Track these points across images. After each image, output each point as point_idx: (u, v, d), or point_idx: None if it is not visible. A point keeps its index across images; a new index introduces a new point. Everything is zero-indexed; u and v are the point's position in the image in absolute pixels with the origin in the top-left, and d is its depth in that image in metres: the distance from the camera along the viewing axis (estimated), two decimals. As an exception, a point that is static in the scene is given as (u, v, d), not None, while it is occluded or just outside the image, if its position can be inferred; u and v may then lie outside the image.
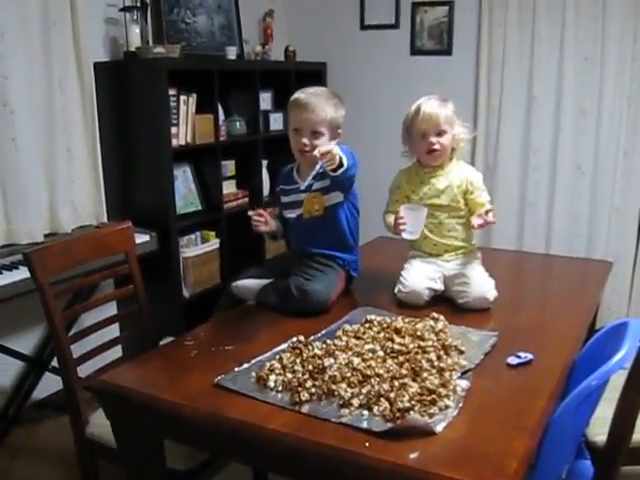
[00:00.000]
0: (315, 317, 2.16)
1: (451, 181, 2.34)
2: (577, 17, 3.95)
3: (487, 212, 2.19)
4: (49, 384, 3.26)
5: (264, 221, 2.36)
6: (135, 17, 3.43)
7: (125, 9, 3.40)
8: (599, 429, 1.91)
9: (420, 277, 2.29)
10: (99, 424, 2.10)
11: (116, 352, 2.48)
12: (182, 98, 3.52)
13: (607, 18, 3.89)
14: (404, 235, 2.20)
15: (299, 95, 2.32)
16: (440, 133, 2.32)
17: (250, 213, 2.35)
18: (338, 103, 2.36)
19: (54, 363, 3.13)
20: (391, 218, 2.31)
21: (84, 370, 2.19)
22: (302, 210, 2.38)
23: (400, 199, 2.40)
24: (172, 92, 3.42)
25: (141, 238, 3.17)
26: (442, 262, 2.34)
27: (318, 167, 2.29)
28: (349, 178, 2.22)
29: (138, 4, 3.43)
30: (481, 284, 2.24)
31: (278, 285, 2.29)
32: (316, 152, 2.04)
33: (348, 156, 2.13)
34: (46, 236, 3.11)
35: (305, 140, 2.29)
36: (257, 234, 2.46)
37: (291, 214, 2.44)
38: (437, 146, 2.31)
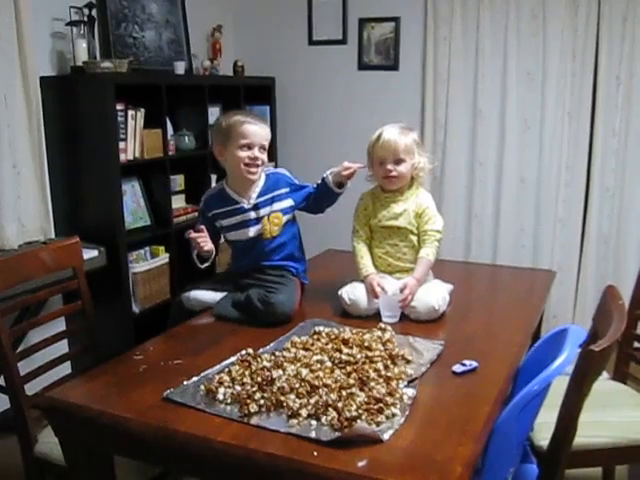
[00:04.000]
0: (271, 328, 2.19)
1: (408, 206, 2.42)
2: (519, 33, 4.06)
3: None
4: (-5, 403, 3.20)
5: (205, 238, 2.36)
6: (82, 31, 3.41)
7: (72, 23, 3.37)
8: (544, 434, 1.96)
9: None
10: (48, 442, 2.07)
11: (65, 369, 2.44)
12: (130, 113, 3.50)
13: (547, 35, 4.00)
14: (386, 320, 2.23)
15: (239, 115, 2.43)
16: (398, 161, 2.38)
17: (192, 235, 2.33)
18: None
19: (0, 381, 3.07)
20: (365, 267, 2.40)
21: (32, 388, 2.16)
22: (260, 230, 2.44)
23: (367, 222, 2.47)
24: (120, 107, 3.40)
25: (89, 253, 3.14)
26: (393, 279, 2.39)
27: (262, 184, 2.45)
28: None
29: (85, 18, 3.41)
30: (427, 298, 2.28)
31: (235, 298, 2.33)
32: (354, 166, 2.35)
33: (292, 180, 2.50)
34: (-8, 252, 3.06)
35: (257, 153, 2.36)
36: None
37: (242, 235, 2.47)
38: (394, 173, 2.38)
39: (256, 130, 2.39)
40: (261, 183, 2.47)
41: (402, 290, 2.27)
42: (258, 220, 2.45)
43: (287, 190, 2.49)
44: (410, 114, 4.32)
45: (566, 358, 1.62)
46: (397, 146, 2.37)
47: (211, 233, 2.42)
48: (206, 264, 2.46)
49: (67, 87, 3.36)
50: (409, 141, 2.40)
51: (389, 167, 2.38)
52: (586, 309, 4.13)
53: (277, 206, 2.46)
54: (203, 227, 2.37)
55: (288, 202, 2.49)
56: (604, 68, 3.91)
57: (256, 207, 2.45)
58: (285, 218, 2.48)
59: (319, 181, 2.50)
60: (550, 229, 4.21)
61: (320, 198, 2.51)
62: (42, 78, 3.29)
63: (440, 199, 4.14)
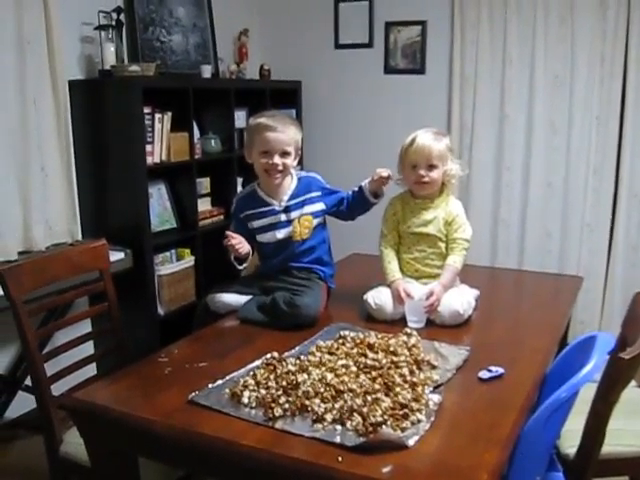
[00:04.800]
0: (296, 332, 2.19)
1: (438, 213, 2.41)
2: (547, 38, 4.02)
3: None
4: (22, 403, 3.23)
5: (240, 242, 2.38)
6: (110, 35, 3.44)
7: (100, 27, 3.41)
8: (570, 441, 1.94)
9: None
10: (73, 442, 2.08)
11: (90, 370, 2.46)
12: (157, 116, 3.52)
13: (576, 40, 3.97)
14: (412, 325, 2.22)
15: (263, 119, 2.41)
16: (431, 167, 2.37)
17: (230, 243, 2.35)
18: (298, 126, 2.49)
19: (27, 382, 3.11)
20: (392, 272, 2.40)
21: (58, 388, 2.17)
22: (289, 232, 2.45)
23: (395, 227, 2.47)
24: (147, 110, 3.43)
25: (116, 256, 3.16)
26: (419, 284, 2.38)
27: (293, 186, 2.45)
28: None
29: (113, 23, 3.44)
30: (452, 302, 2.27)
31: (260, 301, 2.34)
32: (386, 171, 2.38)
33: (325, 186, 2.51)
34: (20, 254, 3.08)
35: (277, 160, 2.35)
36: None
37: (271, 238, 2.48)
38: (426, 179, 2.38)
39: (275, 137, 2.37)
40: (293, 186, 2.47)
41: (428, 296, 2.26)
42: (289, 222, 2.46)
43: (319, 194, 2.50)
44: (436, 118, 4.30)
45: (594, 365, 1.60)
46: (431, 152, 2.36)
47: (245, 235, 2.43)
48: (244, 264, 2.47)
49: (95, 90, 3.40)
50: (442, 147, 2.39)
51: (422, 172, 2.37)
52: (613, 315, 4.08)
53: (308, 209, 2.47)
54: (232, 234, 2.36)
55: (319, 206, 2.49)
56: (633, 73, 3.87)
57: (287, 209, 2.46)
58: (316, 221, 2.49)
59: (355, 189, 2.51)
60: (577, 234, 4.16)
61: (354, 206, 2.53)
62: (71, 82, 3.33)
63: (466, 203, 4.10)
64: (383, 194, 2.49)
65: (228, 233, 2.37)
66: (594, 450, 1.69)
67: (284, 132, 2.39)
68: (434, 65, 4.40)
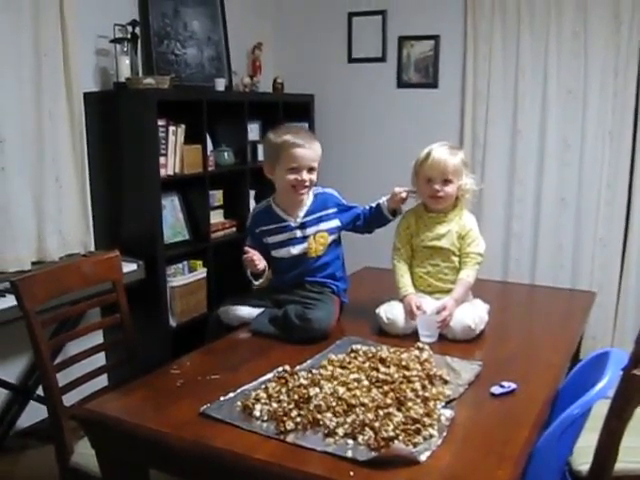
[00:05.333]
0: (308, 345, 2.19)
1: (452, 227, 2.41)
2: (559, 52, 4.03)
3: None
4: (34, 413, 3.24)
5: (259, 258, 2.39)
6: (125, 48, 3.47)
7: (116, 40, 3.44)
8: (583, 458, 1.92)
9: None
10: (84, 453, 2.08)
11: (102, 381, 2.46)
12: (171, 129, 3.54)
13: (589, 54, 3.97)
14: (424, 339, 2.21)
15: (289, 135, 2.41)
16: (446, 181, 2.37)
17: (248, 257, 2.36)
18: (318, 142, 2.49)
19: (39, 392, 3.11)
20: (404, 287, 2.40)
21: (69, 399, 2.18)
22: (304, 249, 2.46)
23: (408, 240, 2.47)
24: (161, 123, 3.45)
25: (128, 267, 3.17)
26: (432, 299, 2.38)
27: (309, 203, 2.47)
28: None
29: (129, 36, 3.47)
30: (463, 317, 2.26)
31: (272, 314, 2.34)
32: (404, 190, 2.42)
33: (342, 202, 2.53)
34: (33, 264, 3.10)
35: (305, 176, 2.39)
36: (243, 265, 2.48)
37: (285, 253, 2.49)
38: (441, 193, 2.38)
39: (305, 153, 2.38)
40: (309, 202, 2.48)
41: (440, 311, 2.26)
42: (304, 238, 2.47)
43: (335, 210, 2.50)
44: (449, 132, 4.31)
45: (608, 382, 1.60)
46: (446, 166, 2.36)
47: (260, 249, 2.44)
48: (260, 280, 2.47)
49: (110, 103, 3.42)
50: (458, 162, 2.39)
51: (437, 187, 2.37)
52: (626, 331, 4.05)
53: (324, 226, 2.47)
54: (251, 250, 2.38)
55: (335, 222, 2.50)
56: (647, 87, 3.87)
57: (303, 226, 2.47)
58: (331, 238, 2.49)
59: (373, 204, 2.53)
60: (590, 249, 4.15)
61: (372, 222, 2.55)
62: (86, 94, 3.36)
63: (479, 217, 4.04)
64: (402, 212, 2.51)
65: (247, 248, 2.38)
66: (607, 467, 1.67)
67: (311, 148, 2.40)
68: (447, 79, 4.41)
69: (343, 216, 2.52)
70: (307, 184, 2.41)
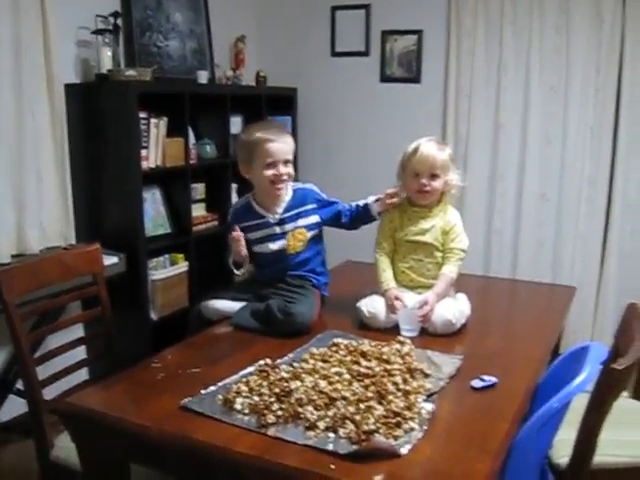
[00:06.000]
0: (289, 339, 2.18)
1: (436, 222, 2.42)
2: (542, 48, 4.05)
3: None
4: (13, 407, 3.21)
5: (244, 243, 2.42)
6: (107, 40, 3.44)
7: (97, 32, 3.41)
8: (562, 451, 1.94)
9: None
10: (64, 447, 2.07)
11: (82, 375, 2.45)
12: (153, 121, 3.52)
13: (571, 50, 3.99)
14: (405, 333, 2.22)
15: (260, 133, 2.42)
16: (433, 176, 2.37)
17: (235, 234, 2.39)
18: (291, 134, 2.52)
19: (19, 385, 3.09)
20: (386, 281, 2.40)
21: (50, 392, 2.17)
22: (283, 245, 2.46)
23: (391, 234, 2.46)
24: (143, 115, 3.43)
25: (109, 260, 3.16)
26: (414, 294, 2.38)
27: (288, 199, 2.47)
28: None
29: (110, 27, 3.44)
30: (444, 311, 2.27)
31: (254, 308, 2.33)
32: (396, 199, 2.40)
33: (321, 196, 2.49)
34: (13, 257, 3.08)
35: (282, 170, 2.39)
36: (225, 256, 2.49)
37: (265, 249, 2.49)
38: (428, 188, 2.38)
39: (278, 147, 2.39)
40: (287, 198, 2.48)
41: (422, 306, 2.26)
42: (283, 235, 2.47)
43: (314, 206, 2.50)
44: (431, 127, 4.32)
45: (587, 376, 1.61)
46: (434, 161, 2.37)
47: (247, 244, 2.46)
48: (242, 270, 2.50)
49: (91, 94, 3.40)
50: (445, 157, 2.40)
51: (424, 181, 2.38)
52: (606, 326, 4.09)
53: (302, 222, 2.47)
54: (238, 229, 2.41)
55: (314, 218, 2.50)
56: (627, 83, 3.89)
57: (282, 222, 2.47)
58: (310, 234, 2.49)
59: (360, 203, 2.52)
60: (570, 244, 4.17)
61: (358, 220, 2.54)
62: (67, 85, 3.32)
63: (460, 213, 4.04)
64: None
65: (235, 226, 2.42)
66: (586, 460, 1.69)
67: (284, 142, 2.42)
68: (430, 74, 4.42)
69: (323, 212, 2.52)
70: (285, 177, 2.41)
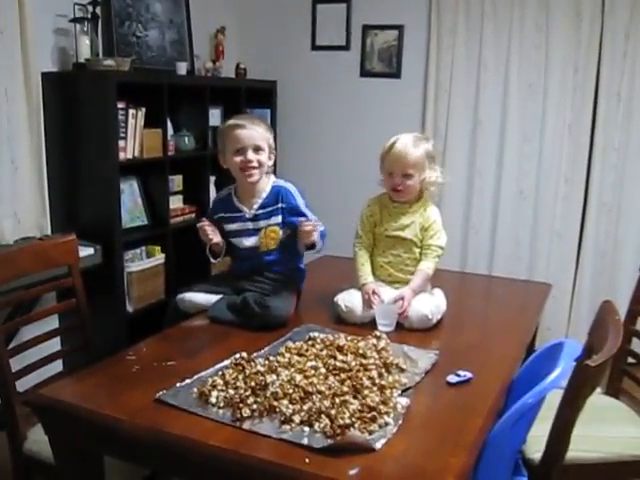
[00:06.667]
0: (265, 332, 2.18)
1: (416, 218, 2.42)
2: (522, 46, 4.07)
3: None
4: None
5: (213, 230, 2.42)
6: (85, 28, 3.40)
7: (75, 20, 3.37)
8: (536, 446, 1.96)
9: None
10: (37, 440, 2.05)
11: (57, 367, 2.43)
12: (131, 112, 3.49)
13: (550, 48, 4.02)
14: (382, 328, 2.22)
15: (232, 120, 2.44)
16: (406, 175, 2.36)
17: (201, 224, 2.40)
18: (268, 125, 2.50)
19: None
20: (364, 275, 2.40)
21: (23, 384, 2.15)
22: (256, 242, 2.44)
23: (371, 229, 2.46)
24: (121, 105, 3.39)
25: (85, 251, 3.13)
26: (391, 289, 2.39)
27: (265, 195, 2.45)
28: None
29: (89, 16, 3.40)
30: (420, 307, 2.28)
31: (230, 301, 2.32)
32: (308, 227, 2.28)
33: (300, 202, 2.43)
34: (-13, 247, 3.05)
35: (251, 156, 2.37)
36: (203, 249, 2.48)
37: (240, 243, 2.48)
38: (400, 187, 2.38)
39: (246, 133, 2.38)
40: (264, 194, 2.45)
41: (398, 301, 2.27)
42: (256, 231, 2.45)
43: (283, 206, 2.44)
44: (411, 122, 4.32)
45: (561, 372, 1.62)
46: (406, 161, 2.35)
47: (221, 235, 2.45)
48: (219, 258, 2.50)
49: (68, 84, 3.36)
50: (419, 155, 2.37)
51: (397, 180, 2.38)
52: (580, 323, 4.13)
53: (274, 220, 2.44)
54: (207, 220, 2.42)
55: (280, 218, 2.44)
56: (605, 83, 3.92)
57: (255, 218, 2.45)
58: (282, 232, 2.45)
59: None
60: (546, 242, 4.21)
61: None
62: (44, 74, 3.29)
63: (438, 208, 4.11)
64: (317, 247, 2.40)
65: (204, 218, 2.43)
66: (559, 455, 1.70)
67: (253, 128, 2.40)
68: (410, 70, 4.43)
69: (288, 216, 2.43)
70: (254, 164, 2.38)
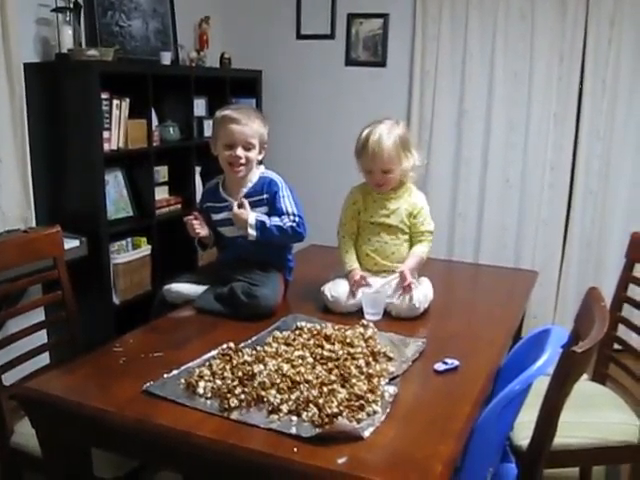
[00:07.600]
0: (252, 322, 2.18)
1: (401, 204, 2.41)
2: (507, 34, 4.07)
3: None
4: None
5: (200, 224, 2.41)
6: (68, 18, 3.37)
7: (57, 10, 3.33)
8: (523, 433, 1.97)
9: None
10: (24, 433, 2.05)
11: (43, 359, 2.41)
12: (115, 102, 3.46)
13: (535, 37, 4.02)
14: (369, 317, 2.22)
15: (228, 111, 2.40)
16: (386, 171, 2.34)
17: (187, 218, 2.40)
18: (264, 120, 2.45)
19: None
20: (349, 262, 2.40)
21: (9, 378, 2.14)
22: (242, 231, 2.40)
23: (354, 216, 2.45)
24: (105, 96, 3.37)
25: (71, 243, 3.11)
26: (379, 278, 2.38)
27: (251, 185, 2.43)
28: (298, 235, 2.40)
29: (71, 5, 3.37)
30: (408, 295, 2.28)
31: (217, 291, 2.31)
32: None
33: (290, 205, 2.40)
34: (-29, 240, 3.02)
35: (240, 153, 2.34)
36: (190, 241, 2.47)
37: (228, 232, 2.47)
38: (382, 181, 2.36)
39: (239, 130, 2.34)
40: (250, 184, 2.43)
41: (401, 275, 2.29)
42: None
43: (267, 197, 2.42)
44: (396, 111, 4.31)
45: (548, 359, 1.63)
46: (383, 158, 2.31)
47: (209, 224, 2.45)
48: (208, 249, 2.50)
49: (51, 74, 3.33)
50: (395, 147, 2.32)
51: (377, 177, 2.36)
52: (567, 310, 4.15)
53: (259, 210, 2.41)
54: (197, 214, 2.41)
55: (265, 209, 2.42)
56: (590, 71, 3.94)
57: (241, 207, 2.42)
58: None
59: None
60: (533, 230, 4.23)
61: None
62: (26, 64, 3.25)
63: (425, 195, 4.12)
64: (249, 237, 2.37)
65: (193, 212, 2.42)
66: (546, 442, 1.71)
67: (248, 125, 2.36)
68: (395, 58, 4.42)
69: (271, 207, 2.41)
70: (242, 162, 2.36)
